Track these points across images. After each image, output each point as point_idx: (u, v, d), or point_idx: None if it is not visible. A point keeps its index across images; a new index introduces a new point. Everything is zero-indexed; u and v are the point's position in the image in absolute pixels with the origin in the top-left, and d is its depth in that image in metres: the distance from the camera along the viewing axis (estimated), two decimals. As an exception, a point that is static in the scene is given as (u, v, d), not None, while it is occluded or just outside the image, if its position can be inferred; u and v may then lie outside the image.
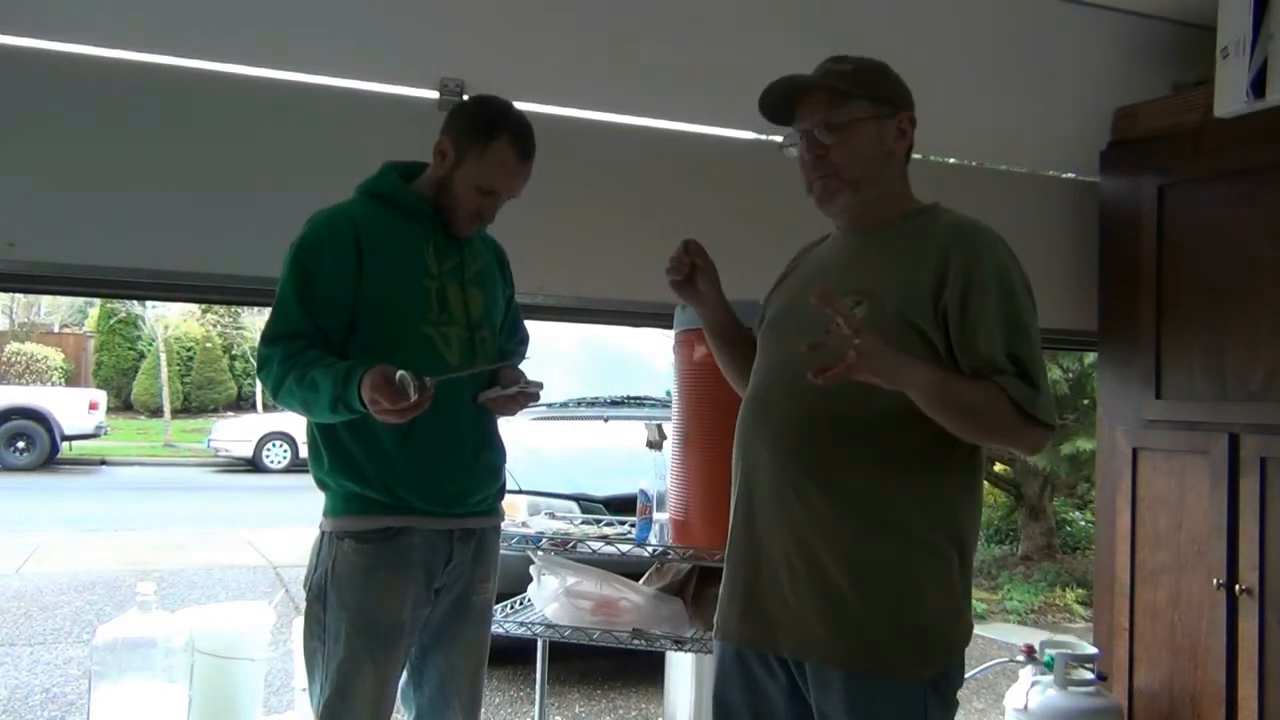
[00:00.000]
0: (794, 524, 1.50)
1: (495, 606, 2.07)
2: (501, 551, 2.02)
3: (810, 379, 1.35)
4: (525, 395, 1.86)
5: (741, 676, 1.59)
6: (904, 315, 1.47)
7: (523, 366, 1.95)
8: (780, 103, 1.60)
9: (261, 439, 13.92)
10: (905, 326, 1.47)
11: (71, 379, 18.22)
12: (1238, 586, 2.56)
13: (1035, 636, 4.43)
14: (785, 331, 1.61)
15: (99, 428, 14.47)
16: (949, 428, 1.45)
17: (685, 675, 2.66)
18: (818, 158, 1.55)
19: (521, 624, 2.40)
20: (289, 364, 1.70)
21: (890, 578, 1.47)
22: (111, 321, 19.71)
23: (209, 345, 19.74)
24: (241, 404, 19.47)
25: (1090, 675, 2.71)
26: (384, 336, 1.77)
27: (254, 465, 13.89)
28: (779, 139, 1.67)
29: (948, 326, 1.47)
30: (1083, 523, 7.90)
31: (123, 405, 19.18)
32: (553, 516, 2.99)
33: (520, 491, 4.04)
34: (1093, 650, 2.79)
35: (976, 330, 1.45)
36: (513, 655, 3.96)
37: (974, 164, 3.21)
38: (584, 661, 4.56)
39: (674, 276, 1.74)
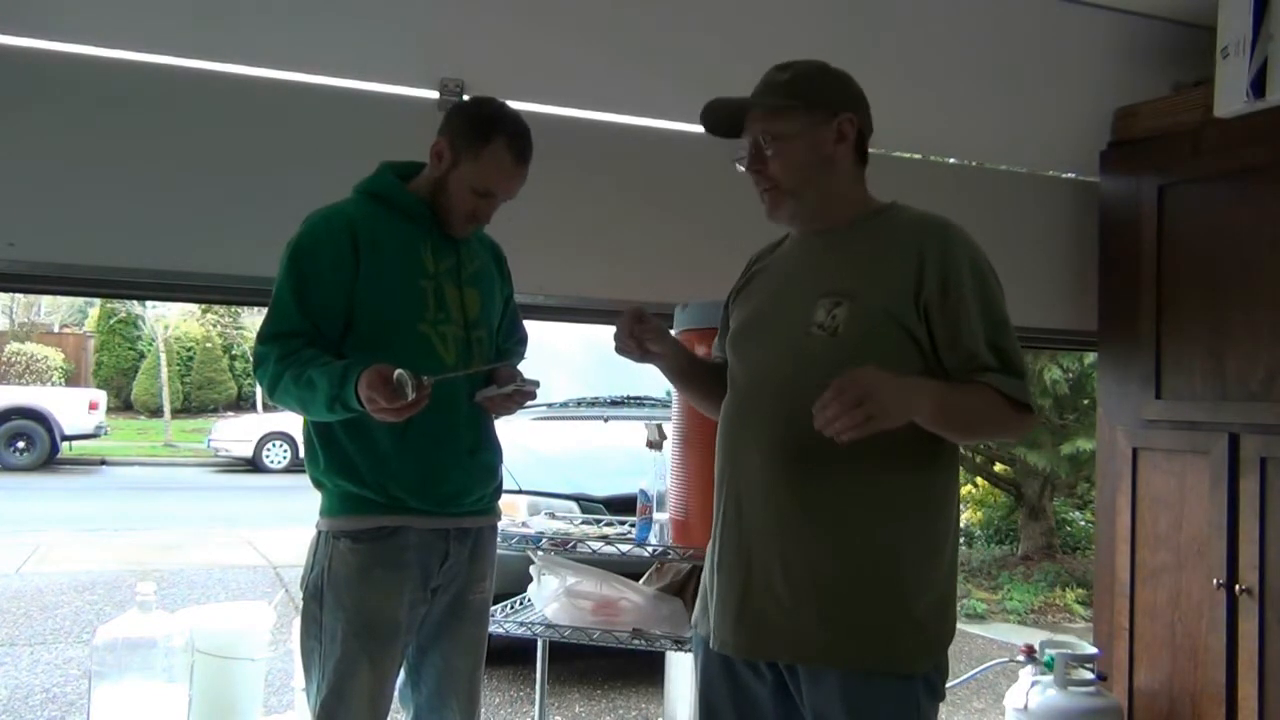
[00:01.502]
0: (787, 526, 1.50)
1: (495, 606, 2.07)
2: (501, 551, 2.02)
3: (818, 428, 1.34)
4: (522, 394, 1.86)
5: (727, 680, 1.59)
6: (887, 313, 1.48)
7: (522, 366, 1.95)
8: (727, 121, 1.61)
9: (261, 439, 13.93)
10: (889, 324, 1.48)
11: (71, 379, 18.23)
12: (1238, 586, 2.56)
13: (1035, 636, 4.44)
14: (760, 337, 1.61)
15: (99, 428, 14.47)
16: (950, 438, 1.50)
17: (685, 675, 2.66)
18: (755, 172, 1.58)
19: (521, 624, 2.40)
20: (285, 363, 1.70)
21: (885, 574, 1.47)
22: (111, 321, 19.72)
23: (209, 345, 19.74)
24: (241, 404, 19.47)
25: (1090, 675, 2.71)
26: (380, 336, 1.77)
27: (254, 465, 13.91)
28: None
29: (929, 322, 1.48)
30: (1083, 523, 7.90)
31: (123, 405, 19.18)
32: (553, 516, 2.99)
33: (520, 491, 4.05)
34: (1093, 650, 2.79)
35: (958, 325, 1.47)
36: (513, 655, 3.96)
37: (974, 164, 3.21)
38: (584, 661, 4.56)
39: (630, 357, 1.71)
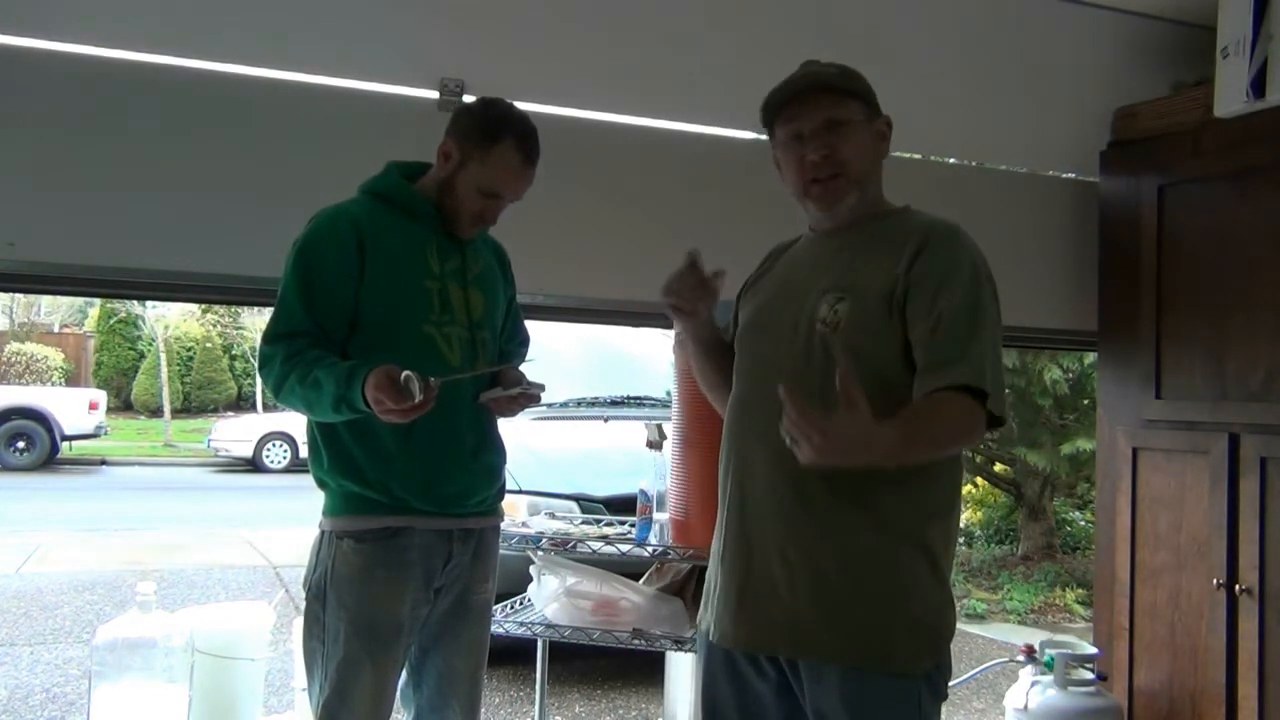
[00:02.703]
0: (788, 522, 1.50)
1: (495, 606, 2.07)
2: (501, 551, 2.02)
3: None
4: (526, 396, 1.86)
5: (730, 676, 1.59)
6: (886, 308, 1.49)
7: (523, 367, 1.95)
8: (782, 103, 1.59)
9: (261, 439, 13.92)
10: (889, 319, 1.48)
11: (71, 379, 18.22)
12: (1238, 586, 2.56)
13: (1035, 636, 4.44)
14: (767, 333, 1.62)
15: (99, 428, 14.46)
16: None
17: (685, 675, 2.66)
18: (825, 157, 1.55)
19: (521, 624, 2.40)
20: (291, 363, 1.70)
21: (885, 573, 1.48)
22: (111, 321, 19.71)
23: (209, 345, 19.74)
24: (241, 404, 19.47)
25: (1090, 675, 2.71)
26: (385, 336, 1.77)
27: (254, 465, 13.89)
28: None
29: (905, 307, 1.48)
30: (1083, 523, 7.90)
31: (123, 405, 19.18)
32: (553, 516, 2.99)
33: (520, 491, 4.04)
34: (1093, 650, 2.79)
35: (933, 314, 1.46)
36: (513, 655, 3.96)
37: (974, 164, 3.21)
38: (584, 661, 4.56)
39: (682, 304, 1.66)
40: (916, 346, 1.47)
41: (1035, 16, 2.93)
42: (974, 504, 8.22)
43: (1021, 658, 2.86)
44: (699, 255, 1.65)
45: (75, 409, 13.96)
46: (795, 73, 1.60)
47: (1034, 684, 2.75)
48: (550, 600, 2.40)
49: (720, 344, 1.77)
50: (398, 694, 1.86)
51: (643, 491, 2.43)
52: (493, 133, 1.79)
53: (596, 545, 2.39)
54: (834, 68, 1.59)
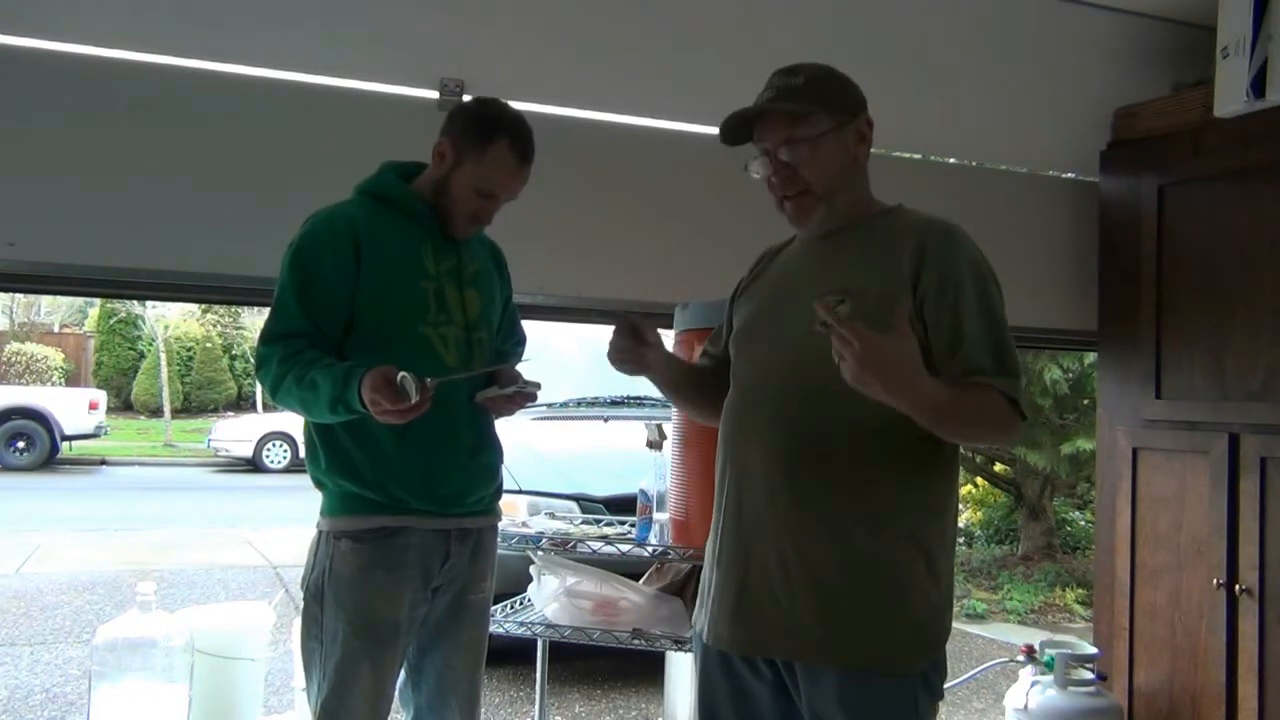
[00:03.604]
0: (786, 524, 1.50)
1: (495, 606, 2.07)
2: (501, 551, 2.02)
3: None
4: (523, 395, 1.86)
5: (726, 678, 1.59)
6: (887, 309, 1.47)
7: (522, 367, 1.95)
8: (739, 126, 1.59)
9: (261, 439, 13.93)
10: (890, 320, 1.47)
11: (71, 379, 18.23)
12: (1238, 586, 2.56)
13: (1035, 636, 4.44)
14: (764, 336, 1.61)
15: (99, 428, 14.47)
16: (945, 437, 1.47)
17: (685, 675, 2.66)
18: (786, 179, 1.55)
19: (521, 624, 2.40)
20: (288, 363, 1.70)
21: (882, 574, 1.47)
22: (111, 321, 19.72)
23: (209, 345, 19.75)
24: (241, 404, 19.48)
25: (1090, 675, 2.71)
26: (381, 337, 1.77)
27: (254, 465, 13.90)
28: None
29: (923, 318, 1.48)
30: (1083, 523, 7.90)
31: (123, 405, 19.18)
32: (553, 516, 2.99)
33: (520, 491, 4.05)
34: (1093, 650, 2.79)
35: (957, 325, 1.47)
36: (513, 655, 3.96)
37: (974, 164, 3.21)
38: (584, 661, 4.56)
39: (625, 372, 1.72)
40: (940, 360, 1.47)
41: (1035, 16, 2.93)
42: (974, 504, 8.22)
43: (1021, 658, 2.86)
44: (627, 316, 1.71)
45: (75, 409, 13.96)
46: (743, 107, 1.59)
47: (1034, 684, 2.75)
48: (550, 600, 2.40)
49: (690, 376, 1.78)
50: (396, 694, 1.86)
51: (643, 491, 2.43)
52: (488, 132, 1.79)
53: (596, 545, 2.39)
54: (797, 79, 1.56)
